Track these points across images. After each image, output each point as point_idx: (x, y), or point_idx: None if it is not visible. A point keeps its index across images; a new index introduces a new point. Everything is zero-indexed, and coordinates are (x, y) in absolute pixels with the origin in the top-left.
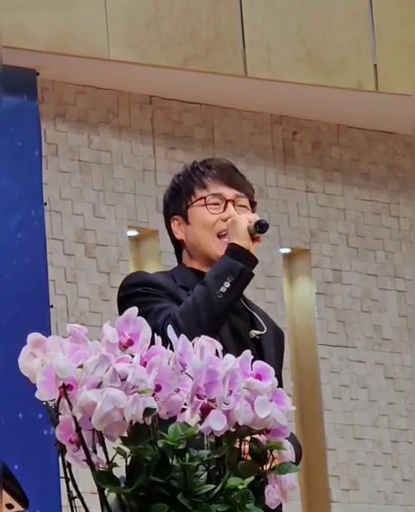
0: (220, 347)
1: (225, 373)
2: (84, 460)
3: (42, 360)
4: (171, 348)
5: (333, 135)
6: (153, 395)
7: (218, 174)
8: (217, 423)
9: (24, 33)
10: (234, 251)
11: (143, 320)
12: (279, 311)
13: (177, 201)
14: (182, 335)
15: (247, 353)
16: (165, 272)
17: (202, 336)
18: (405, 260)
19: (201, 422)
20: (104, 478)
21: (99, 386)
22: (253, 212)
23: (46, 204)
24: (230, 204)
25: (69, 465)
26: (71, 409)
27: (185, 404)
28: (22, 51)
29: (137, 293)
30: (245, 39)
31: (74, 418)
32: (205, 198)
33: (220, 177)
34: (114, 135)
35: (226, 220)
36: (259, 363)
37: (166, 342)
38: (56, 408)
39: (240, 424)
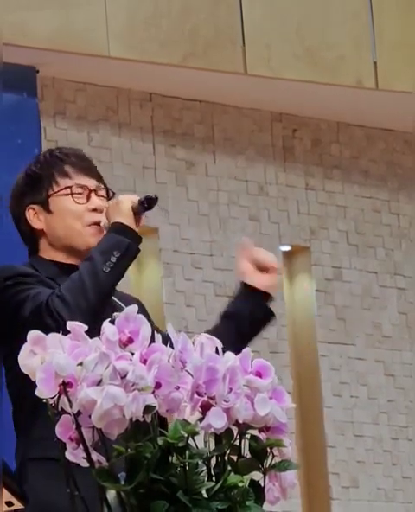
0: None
1: (225, 370)
2: (84, 458)
3: (42, 357)
4: (61, 318)
5: (333, 132)
6: (153, 393)
7: (78, 162)
8: (217, 420)
9: (24, 30)
10: (119, 228)
11: (142, 318)
12: (279, 309)
13: (35, 190)
14: (69, 309)
15: (247, 350)
16: (23, 264)
17: (87, 313)
18: (405, 258)
19: (201, 419)
20: (104, 476)
21: (99, 383)
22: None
23: None
24: (93, 194)
25: (69, 463)
26: (71, 406)
27: (185, 401)
28: (21, 48)
29: (8, 286)
30: (244, 37)
31: (74, 415)
32: (70, 187)
33: (81, 166)
34: (114, 132)
35: (93, 211)
36: (260, 361)
37: (52, 315)
38: (56, 406)
39: (240, 421)
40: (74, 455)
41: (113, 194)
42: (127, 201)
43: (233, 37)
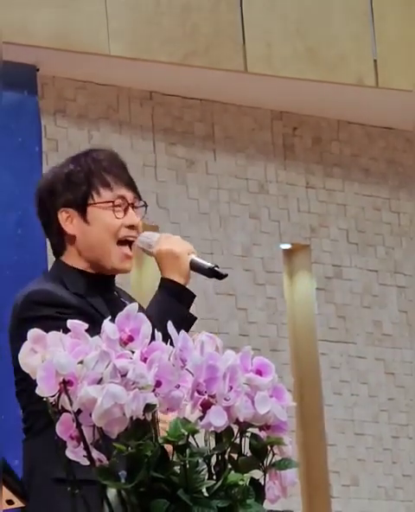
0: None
1: (225, 369)
2: (84, 456)
3: (43, 356)
4: None
5: (333, 130)
6: (153, 391)
7: (119, 173)
8: (217, 419)
9: (24, 29)
10: (179, 293)
11: (143, 316)
12: (279, 307)
13: (73, 193)
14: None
15: (248, 348)
16: (50, 276)
17: None
18: (405, 256)
19: (201, 418)
20: (104, 474)
21: (100, 382)
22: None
23: None
24: (130, 208)
25: (70, 461)
26: (71, 405)
27: (185, 400)
28: (22, 47)
29: (51, 317)
30: (245, 35)
31: (74, 414)
32: (113, 201)
33: (121, 177)
34: (114, 130)
35: (128, 227)
36: (260, 359)
37: None
38: (56, 404)
39: (241, 420)
40: (75, 453)
41: (145, 204)
42: (185, 255)
43: (234, 35)
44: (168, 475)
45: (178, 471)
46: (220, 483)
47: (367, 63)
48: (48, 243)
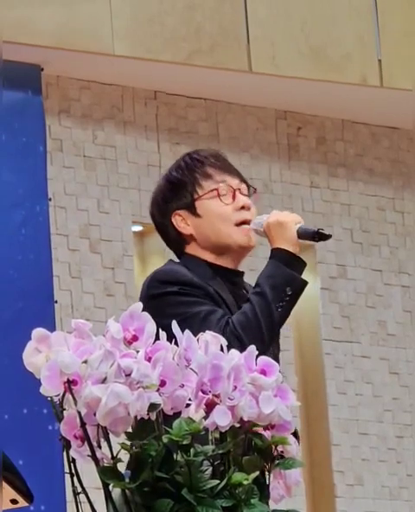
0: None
1: (229, 368)
2: (88, 455)
3: (47, 355)
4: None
5: (337, 130)
6: (158, 390)
7: (217, 163)
8: (222, 418)
9: (29, 28)
10: (287, 259)
11: (147, 315)
12: None
13: (180, 196)
14: (244, 349)
15: (252, 348)
16: (177, 262)
17: (260, 350)
18: (409, 256)
19: (205, 417)
20: (108, 474)
21: (104, 381)
22: (252, 197)
23: (50, 199)
24: (237, 192)
25: (74, 461)
26: (75, 404)
27: (190, 399)
28: (26, 46)
29: (174, 292)
30: (249, 34)
31: (79, 413)
32: (217, 189)
33: (221, 166)
34: (119, 130)
35: (241, 209)
36: (264, 358)
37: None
38: (61, 403)
39: (245, 419)
40: (79, 453)
41: (254, 190)
42: (291, 223)
43: (238, 35)
44: (172, 474)
45: (182, 471)
46: (224, 482)
47: (371, 63)
48: (52, 243)
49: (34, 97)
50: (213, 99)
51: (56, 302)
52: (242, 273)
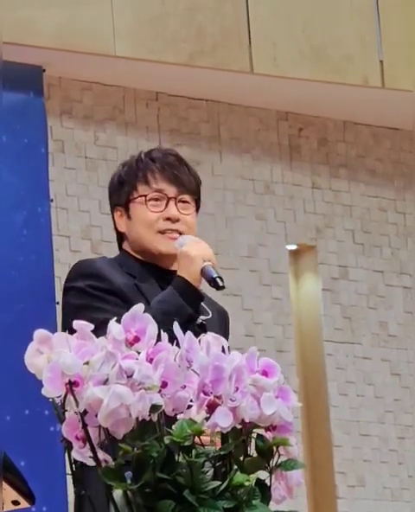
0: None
1: (231, 369)
2: (90, 457)
3: (49, 356)
4: None
5: (339, 131)
6: (159, 392)
7: (161, 169)
8: (223, 419)
9: (30, 29)
10: (184, 289)
11: (149, 317)
12: (285, 308)
13: (120, 193)
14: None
15: (253, 349)
16: (111, 259)
17: None
18: (410, 257)
19: (207, 418)
20: (110, 475)
21: (106, 382)
22: (197, 207)
23: (52, 201)
24: (172, 202)
25: (75, 462)
26: (77, 406)
27: (191, 400)
28: (28, 48)
29: (83, 291)
30: (251, 35)
31: (80, 414)
32: (146, 196)
33: (163, 173)
34: (120, 131)
35: (167, 219)
36: (266, 360)
37: None
38: (62, 405)
39: (247, 420)
40: (81, 454)
41: (197, 204)
42: (199, 258)
43: (240, 36)
44: (173, 476)
45: (184, 472)
46: (225, 483)
47: (372, 64)
48: (54, 245)
49: (35, 98)
50: (214, 100)
51: (58, 303)
52: (174, 272)
